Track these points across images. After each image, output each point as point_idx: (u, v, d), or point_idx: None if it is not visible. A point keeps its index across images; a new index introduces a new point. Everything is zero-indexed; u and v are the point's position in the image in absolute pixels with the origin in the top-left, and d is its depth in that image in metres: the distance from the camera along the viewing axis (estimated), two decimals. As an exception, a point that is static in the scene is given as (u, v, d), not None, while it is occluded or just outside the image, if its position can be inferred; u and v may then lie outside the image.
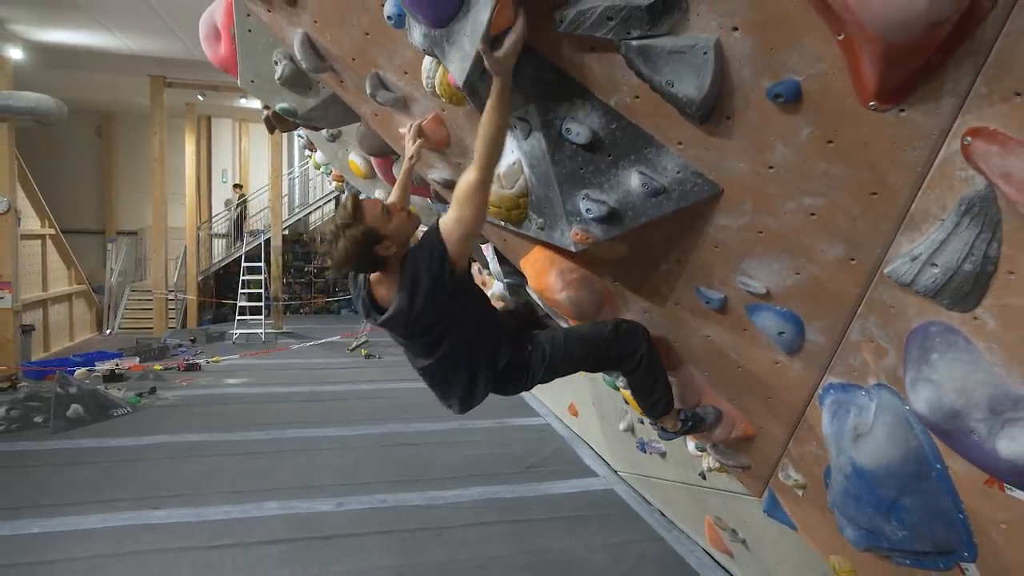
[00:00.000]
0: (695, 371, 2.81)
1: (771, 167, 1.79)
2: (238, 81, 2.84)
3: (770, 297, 2.15)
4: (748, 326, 2.32)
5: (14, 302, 10.12)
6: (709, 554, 4.49)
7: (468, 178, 1.93)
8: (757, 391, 2.60)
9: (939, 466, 1.96)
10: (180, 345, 11.91)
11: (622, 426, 5.26)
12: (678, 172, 1.95)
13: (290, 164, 17.67)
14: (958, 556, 2.09)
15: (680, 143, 1.90)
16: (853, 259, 1.86)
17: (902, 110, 1.48)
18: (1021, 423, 1.54)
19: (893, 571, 2.47)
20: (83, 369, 9.07)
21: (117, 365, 9.38)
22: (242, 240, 15.81)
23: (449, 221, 2.02)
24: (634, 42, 1.66)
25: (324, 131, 4.47)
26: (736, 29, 1.56)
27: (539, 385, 2.52)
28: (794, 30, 1.48)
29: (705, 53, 1.60)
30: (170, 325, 14.05)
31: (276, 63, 2.66)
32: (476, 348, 2.24)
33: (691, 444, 3.54)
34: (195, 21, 3.22)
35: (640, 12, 1.59)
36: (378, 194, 4.56)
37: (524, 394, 8.84)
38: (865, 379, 2.11)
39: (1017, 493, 1.75)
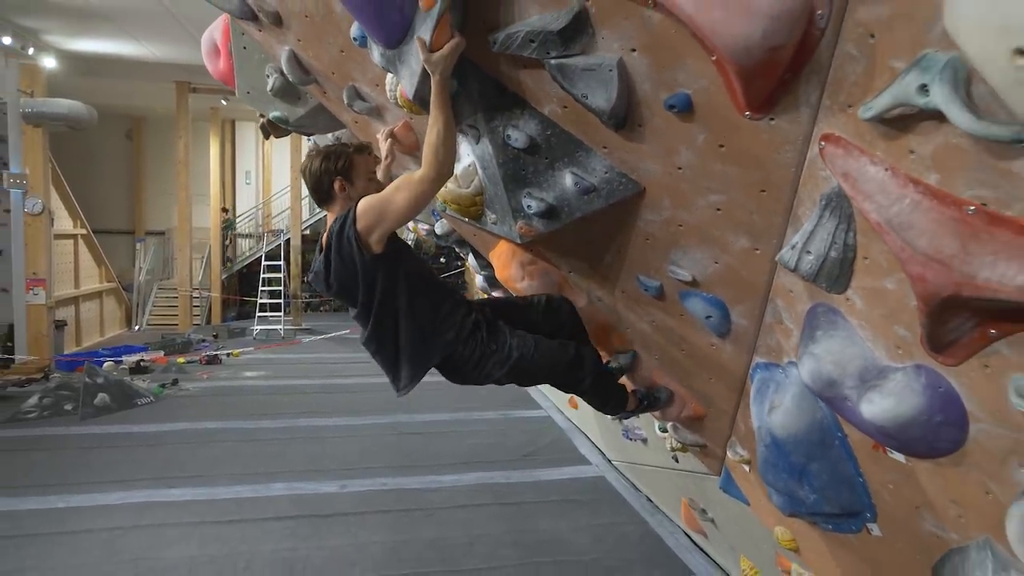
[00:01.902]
0: (648, 356, 3.07)
1: (680, 168, 2.04)
2: (236, 92, 3.16)
3: (696, 284, 2.40)
4: (683, 311, 2.57)
5: (48, 299, 10.66)
6: (687, 535, 4.72)
7: (411, 172, 2.15)
8: (701, 372, 2.84)
9: (840, 435, 2.19)
10: (203, 340, 12.38)
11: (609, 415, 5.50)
12: (605, 172, 2.21)
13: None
14: (863, 517, 2.32)
15: (605, 147, 2.16)
16: (757, 249, 2.10)
17: (772, 119, 1.72)
18: (878, 389, 1.78)
19: (822, 537, 2.71)
20: (110, 362, 9.53)
21: (143, 358, 9.84)
22: (231, 261, 16.27)
23: (372, 199, 2.16)
24: (553, 61, 1.93)
25: (330, 134, 4.79)
26: (634, 50, 1.82)
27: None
28: (679, 52, 1.74)
29: (610, 70, 1.86)
30: (195, 321, 14.57)
31: (268, 76, 2.98)
32: (408, 330, 2.34)
33: (656, 425, 3.79)
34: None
35: (554, 36, 1.85)
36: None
37: (529, 387, 9.18)
38: (780, 358, 2.34)
39: (896, 455, 1.98)
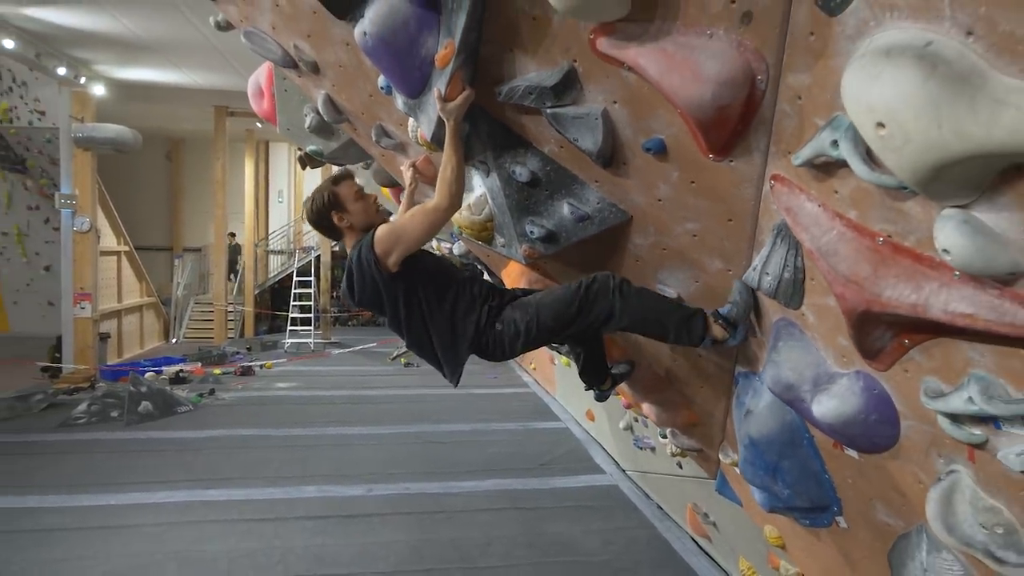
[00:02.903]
0: (644, 365, 3.36)
1: (660, 200, 2.36)
2: (277, 129, 3.55)
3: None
4: (672, 325, 2.86)
5: (93, 312, 11.24)
6: (693, 539, 4.96)
7: (427, 201, 2.45)
8: (693, 381, 3.13)
9: (807, 436, 2.46)
10: (237, 352, 12.88)
11: (621, 425, 5.78)
12: (598, 203, 2.53)
13: (341, 185, 18.69)
14: (831, 512, 2.58)
15: (596, 181, 2.48)
16: (729, 270, 2.41)
17: (731, 160, 2.03)
18: (827, 392, 2.06)
19: (802, 532, 2.96)
20: (151, 372, 10.04)
21: (182, 369, 10.33)
22: (234, 280, 16.70)
23: (386, 225, 2.39)
24: (548, 109, 2.26)
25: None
26: (616, 102, 2.14)
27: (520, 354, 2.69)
28: (652, 104, 2.06)
29: (596, 119, 2.18)
30: (229, 335, 15.12)
31: (306, 115, 3.36)
32: (437, 335, 2.53)
33: (658, 432, 4.06)
34: (253, 59, 3.84)
35: (548, 90, 2.19)
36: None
37: (547, 400, 9.46)
38: (756, 367, 2.63)
39: (851, 452, 2.25)
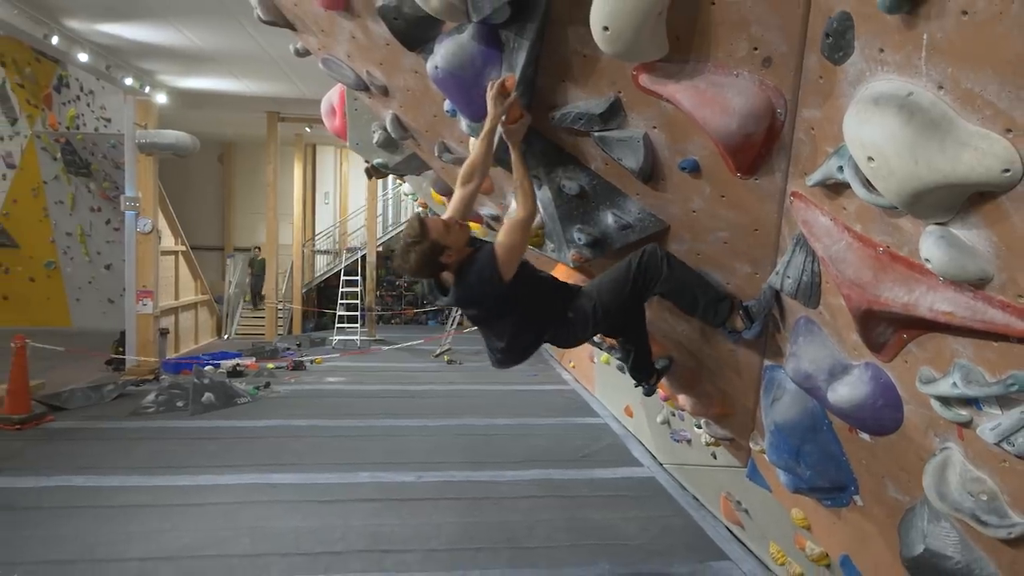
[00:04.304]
0: (683, 360, 3.66)
1: (694, 211, 2.67)
2: (347, 144, 3.94)
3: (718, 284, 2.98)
4: (705, 322, 3.17)
5: (154, 308, 11.91)
6: (726, 527, 5.23)
7: (514, 216, 2.76)
8: (725, 373, 3.43)
9: (827, 421, 2.75)
10: (288, 348, 13.47)
11: (659, 419, 6.07)
12: (638, 213, 2.85)
13: (384, 188, 19.25)
14: (849, 491, 2.86)
15: (637, 194, 2.80)
16: (756, 273, 2.71)
17: (756, 179, 2.34)
18: (841, 381, 2.35)
19: (824, 513, 3.24)
20: (210, 366, 10.63)
21: (238, 364, 10.91)
22: (257, 301, 17.15)
23: (499, 245, 2.69)
24: (596, 133, 2.59)
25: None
26: (655, 127, 2.46)
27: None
28: (687, 130, 2.37)
29: (638, 141, 2.51)
30: (277, 332, 15.75)
31: (374, 132, 3.74)
32: (529, 323, 2.92)
33: (693, 422, 4.35)
34: (306, 67, 4.16)
35: (595, 117, 2.52)
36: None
37: (586, 396, 9.76)
38: (783, 361, 2.92)
39: (864, 435, 2.53)
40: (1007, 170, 1.37)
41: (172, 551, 4.72)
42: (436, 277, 2.79)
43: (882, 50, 1.58)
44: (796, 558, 4.01)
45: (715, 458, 4.85)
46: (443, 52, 2.63)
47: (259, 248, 17.67)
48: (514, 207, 3.03)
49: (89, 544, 4.80)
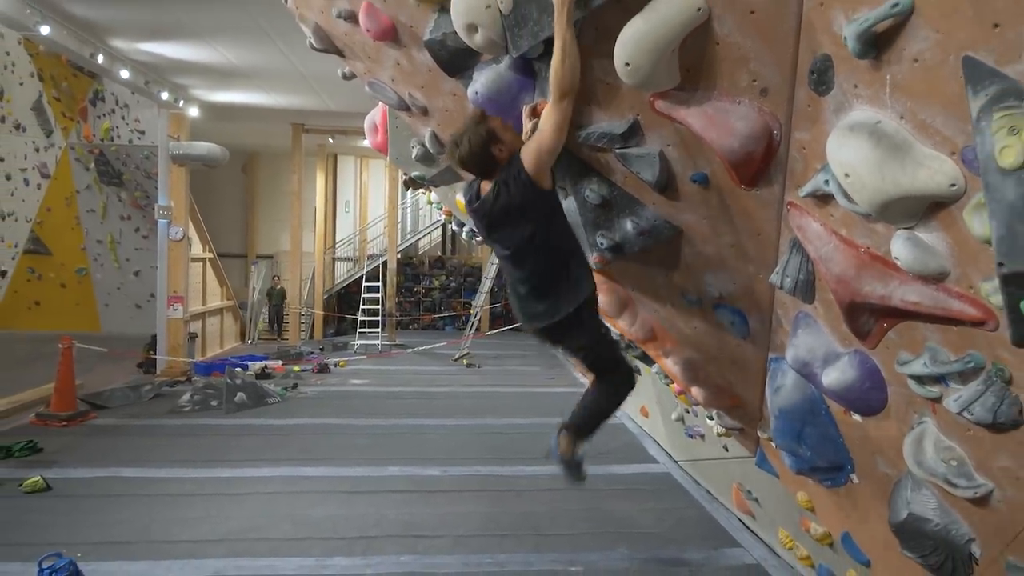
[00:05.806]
0: (693, 353, 3.99)
1: (704, 218, 3.01)
2: (387, 158, 4.31)
3: (723, 299, 3.33)
4: (716, 318, 3.50)
5: (184, 313, 12.38)
6: (738, 518, 5.53)
7: (546, 109, 2.60)
8: (733, 367, 3.75)
9: (824, 406, 3.07)
10: (312, 352, 13.90)
11: (673, 416, 6.39)
12: (655, 220, 3.19)
13: (403, 196, 19.72)
14: (846, 470, 3.17)
15: (653, 203, 3.15)
16: (760, 274, 3.04)
17: (757, 190, 2.68)
18: (833, 366, 2.68)
19: (826, 493, 3.55)
20: (239, 368, 11.07)
21: (266, 366, 11.34)
22: (278, 326, 17.54)
23: (528, 145, 2.71)
24: (617, 150, 2.94)
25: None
26: (670, 145, 2.81)
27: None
28: (698, 147, 2.71)
29: (655, 157, 2.85)
30: (301, 336, 16.20)
31: (413, 147, 4.11)
32: (555, 267, 3.01)
33: (705, 415, 4.67)
34: (331, 81, 4.57)
35: (617, 136, 2.87)
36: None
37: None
38: (784, 352, 3.24)
39: (856, 416, 2.85)
40: (954, 184, 1.71)
41: (220, 534, 5.09)
42: (483, 172, 2.84)
43: (856, 86, 1.92)
44: (803, 541, 4.32)
45: (727, 450, 5.16)
46: (483, 80, 2.99)
47: (278, 277, 18.01)
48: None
49: (143, 527, 5.19)
